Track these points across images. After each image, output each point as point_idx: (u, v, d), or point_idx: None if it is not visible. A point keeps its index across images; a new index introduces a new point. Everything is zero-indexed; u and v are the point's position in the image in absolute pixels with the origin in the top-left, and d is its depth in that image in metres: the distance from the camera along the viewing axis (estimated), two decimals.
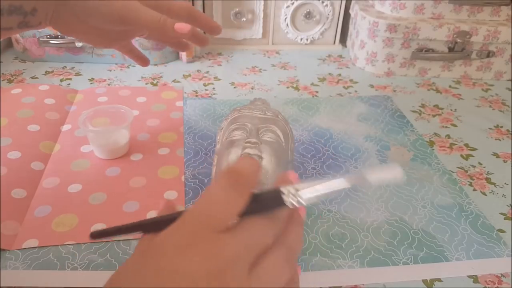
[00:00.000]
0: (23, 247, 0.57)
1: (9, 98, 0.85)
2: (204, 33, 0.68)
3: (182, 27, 0.57)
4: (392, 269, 0.55)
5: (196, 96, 0.94)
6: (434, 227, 0.61)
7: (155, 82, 0.99)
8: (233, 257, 0.32)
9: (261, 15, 1.15)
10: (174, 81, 1.00)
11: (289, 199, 0.35)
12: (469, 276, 0.55)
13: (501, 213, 0.66)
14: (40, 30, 1.02)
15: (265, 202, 0.36)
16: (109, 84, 0.98)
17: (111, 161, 0.73)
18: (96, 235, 0.40)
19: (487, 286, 0.54)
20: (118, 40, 0.63)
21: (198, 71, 1.06)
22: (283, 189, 0.35)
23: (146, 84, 0.99)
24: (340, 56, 1.18)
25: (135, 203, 0.65)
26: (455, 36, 1.01)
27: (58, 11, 0.55)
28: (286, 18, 1.15)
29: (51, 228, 0.60)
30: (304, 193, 0.35)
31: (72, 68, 1.05)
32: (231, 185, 0.35)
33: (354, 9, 1.14)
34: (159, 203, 0.59)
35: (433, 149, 0.78)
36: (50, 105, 0.86)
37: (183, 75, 1.04)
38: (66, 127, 0.81)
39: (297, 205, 0.35)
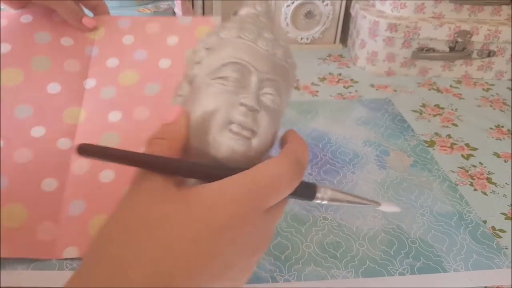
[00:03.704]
0: (64, 256, 0.53)
1: (20, 32, 0.66)
2: None
3: (88, 23, 0.66)
4: (388, 280, 0.55)
5: None
6: (433, 236, 0.61)
7: None
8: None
9: None
10: None
11: (318, 199, 0.40)
12: None
13: (502, 213, 0.66)
14: None
15: (298, 191, 0.38)
16: None
17: (144, 136, 0.60)
18: (86, 151, 0.37)
19: None
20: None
21: None
22: (321, 190, 0.39)
23: None
24: (341, 56, 1.18)
25: None
26: (455, 35, 1.00)
27: None
28: (286, 18, 1.15)
29: (88, 232, 0.53)
30: (334, 198, 0.40)
31: None
32: (295, 174, 0.37)
33: (355, 9, 1.13)
34: None
35: (433, 156, 0.77)
36: (68, 48, 0.67)
37: None
38: (90, 83, 0.65)
39: (319, 202, 0.40)
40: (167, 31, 0.72)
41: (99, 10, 0.70)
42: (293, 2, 1.12)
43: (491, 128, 0.87)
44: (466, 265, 0.57)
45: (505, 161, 0.77)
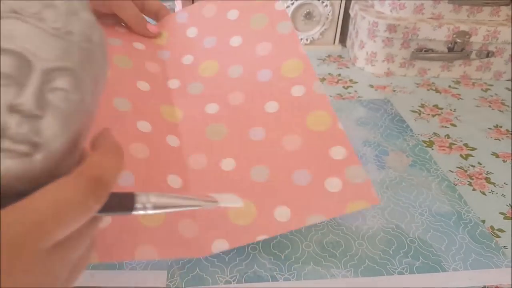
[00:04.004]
0: (213, 251, 0.50)
1: None
2: None
3: (153, 29, 0.66)
4: (387, 279, 0.55)
5: None
6: (431, 235, 0.61)
7: None
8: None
9: None
10: None
11: (138, 208, 0.33)
12: None
13: (501, 213, 0.66)
14: None
15: (110, 205, 0.31)
16: None
17: (248, 118, 0.57)
18: None
19: None
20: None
21: None
22: (139, 198, 0.33)
23: None
24: (340, 56, 1.18)
25: (304, 173, 0.51)
26: (454, 36, 1.00)
27: None
28: None
29: (231, 221, 0.50)
30: (158, 204, 0.34)
31: None
32: (88, 196, 0.29)
33: (354, 9, 1.13)
34: (331, 168, 0.51)
35: (432, 156, 0.77)
36: (142, 51, 0.65)
37: None
38: (173, 83, 0.63)
39: (143, 213, 0.33)
40: (224, 8, 0.68)
41: (161, 15, 0.70)
42: (292, 3, 1.12)
43: (489, 128, 0.87)
44: (465, 265, 0.57)
45: (504, 161, 0.78)
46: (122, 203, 0.32)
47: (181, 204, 0.35)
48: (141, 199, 0.33)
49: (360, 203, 0.50)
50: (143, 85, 0.59)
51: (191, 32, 0.68)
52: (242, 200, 0.41)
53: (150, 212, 0.33)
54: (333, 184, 0.50)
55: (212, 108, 0.59)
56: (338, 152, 0.51)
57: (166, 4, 1.06)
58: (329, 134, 0.53)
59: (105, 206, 0.30)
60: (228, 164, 0.54)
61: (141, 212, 0.33)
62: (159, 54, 0.66)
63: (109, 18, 0.66)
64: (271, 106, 0.57)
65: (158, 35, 0.67)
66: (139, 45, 0.65)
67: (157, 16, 0.69)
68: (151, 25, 0.66)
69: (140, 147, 0.51)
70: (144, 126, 0.54)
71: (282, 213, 0.50)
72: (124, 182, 0.47)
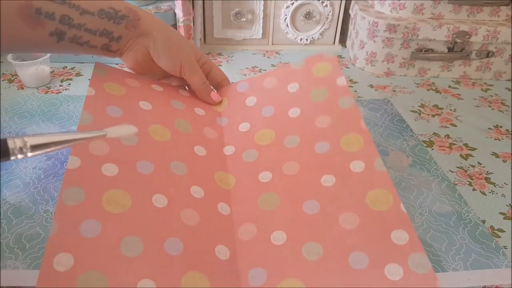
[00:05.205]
0: None
1: (156, 95, 0.65)
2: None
3: (215, 97, 0.69)
4: None
5: None
6: (431, 235, 0.61)
7: None
8: None
9: (261, 15, 1.15)
10: None
11: (15, 152, 0.33)
12: None
13: (501, 213, 0.66)
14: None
15: None
16: None
17: (303, 190, 0.54)
18: None
19: None
20: (161, 78, 0.70)
21: None
22: (10, 141, 0.32)
23: None
24: (340, 56, 1.18)
25: (362, 256, 0.46)
26: (454, 36, 1.00)
27: (135, 43, 0.61)
28: (286, 18, 1.15)
29: None
30: (34, 144, 0.33)
31: (72, 68, 1.05)
32: None
33: (354, 9, 1.13)
34: (392, 254, 0.45)
35: (432, 156, 0.78)
36: (202, 117, 0.67)
37: None
38: (229, 150, 0.63)
39: (23, 157, 0.33)
40: (284, 81, 0.68)
41: (222, 86, 0.73)
42: (292, 3, 1.13)
43: (489, 128, 0.88)
44: (465, 265, 0.57)
45: (504, 161, 0.78)
46: None
47: (62, 140, 0.35)
48: (16, 142, 0.33)
49: None
50: (200, 150, 0.60)
51: (250, 101, 0.68)
52: (136, 129, 0.43)
53: (30, 154, 0.33)
54: (395, 271, 0.44)
55: (265, 176, 0.57)
56: (400, 237, 0.46)
57: (166, 4, 1.07)
58: (391, 215, 0.48)
59: None
60: (278, 237, 0.50)
61: (20, 156, 0.33)
62: (218, 121, 0.67)
63: (174, 80, 0.70)
64: (328, 180, 0.53)
65: (219, 103, 0.70)
66: (200, 111, 0.67)
67: (219, 86, 0.73)
68: (214, 93, 0.69)
69: (191, 213, 0.50)
70: (197, 191, 0.53)
71: None
72: (172, 250, 0.46)
